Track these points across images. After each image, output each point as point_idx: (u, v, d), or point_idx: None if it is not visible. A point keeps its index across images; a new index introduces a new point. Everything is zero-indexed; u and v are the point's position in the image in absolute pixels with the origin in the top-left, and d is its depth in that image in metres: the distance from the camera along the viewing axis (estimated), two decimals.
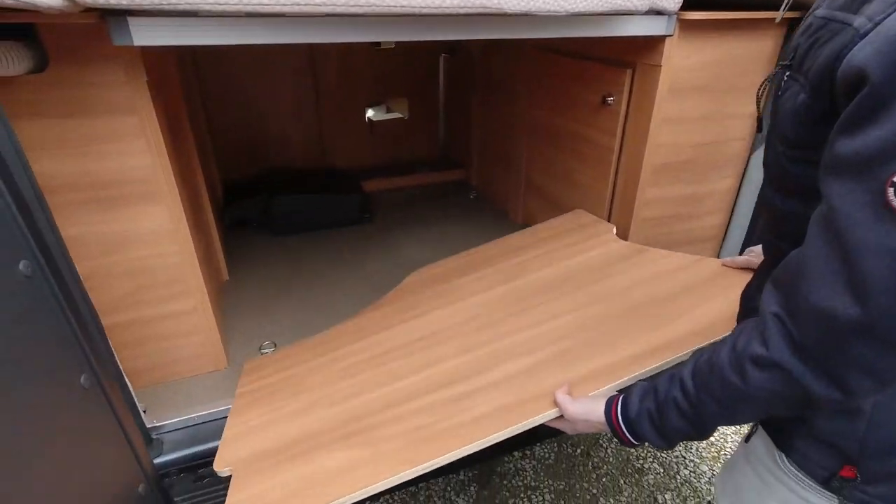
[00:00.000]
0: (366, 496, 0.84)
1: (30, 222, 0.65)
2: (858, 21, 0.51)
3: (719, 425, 0.71)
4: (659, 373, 0.96)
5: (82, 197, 1.09)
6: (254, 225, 2.28)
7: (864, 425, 0.67)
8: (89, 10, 0.82)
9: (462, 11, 1.01)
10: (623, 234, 1.63)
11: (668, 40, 1.35)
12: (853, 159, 0.50)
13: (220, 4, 0.85)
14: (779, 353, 0.57)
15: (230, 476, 0.97)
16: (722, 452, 2.06)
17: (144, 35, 0.90)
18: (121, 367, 1.11)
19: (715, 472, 1.97)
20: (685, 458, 2.04)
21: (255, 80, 2.50)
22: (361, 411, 1.03)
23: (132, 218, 1.14)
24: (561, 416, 0.93)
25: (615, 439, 0.82)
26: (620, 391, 0.89)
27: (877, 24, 0.49)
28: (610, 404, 0.84)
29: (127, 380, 1.14)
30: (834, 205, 0.52)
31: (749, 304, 0.83)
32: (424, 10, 0.98)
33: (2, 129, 0.68)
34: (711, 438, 2.12)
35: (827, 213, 0.53)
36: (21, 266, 0.61)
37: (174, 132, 1.36)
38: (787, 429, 0.76)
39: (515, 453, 2.03)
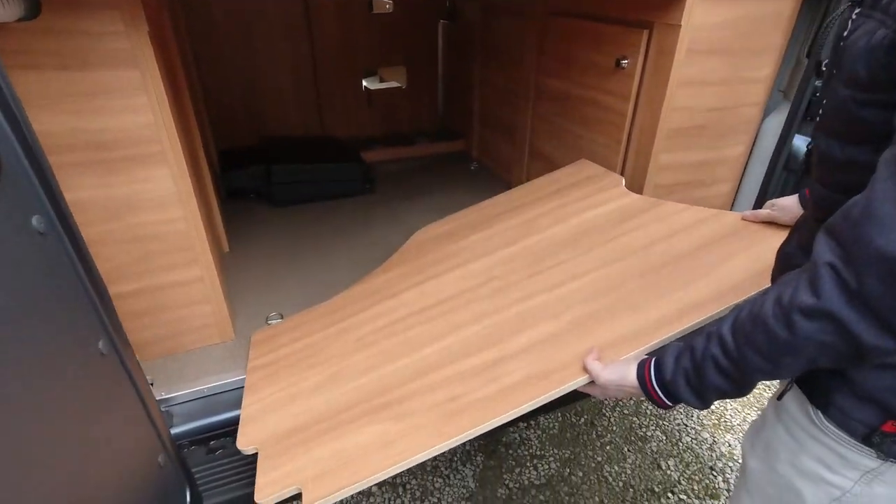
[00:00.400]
0: (400, 471, 0.82)
1: (40, 174, 0.59)
2: None
3: (761, 380, 0.70)
4: (692, 332, 0.95)
5: (82, 158, 1.02)
6: (251, 196, 2.21)
7: None
8: None
9: None
10: None
11: None
12: None
13: None
14: (831, 302, 0.56)
15: (254, 453, 0.94)
16: (722, 420, 2.09)
17: None
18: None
19: (716, 439, 2.00)
20: (687, 425, 2.07)
21: (249, 48, 2.40)
22: (387, 383, 1.00)
23: (136, 181, 1.08)
24: (592, 382, 0.91)
25: (649, 403, 0.81)
26: (651, 353, 0.88)
27: None
28: (642, 368, 0.82)
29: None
30: None
31: (789, 263, 0.80)
32: None
33: (2, 78, 0.62)
34: (712, 406, 2.15)
35: None
36: (34, 221, 0.56)
37: (174, 91, 1.28)
38: (825, 385, 0.75)
39: (521, 423, 2.04)
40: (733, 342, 0.68)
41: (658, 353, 0.82)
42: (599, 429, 2.05)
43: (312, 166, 2.15)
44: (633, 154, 1.63)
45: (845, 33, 0.64)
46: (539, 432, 2.02)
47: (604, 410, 2.12)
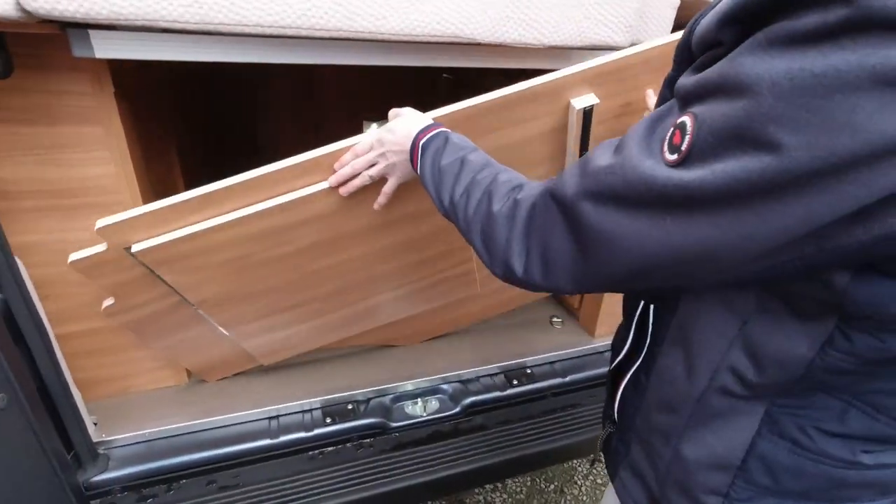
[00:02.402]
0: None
1: None
2: None
3: (451, 203, 0.73)
4: None
5: (42, 204, 1.07)
6: None
7: (669, 456, 0.62)
8: (47, 21, 0.81)
9: (433, 40, 1.00)
10: None
11: None
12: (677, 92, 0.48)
13: (180, 23, 0.84)
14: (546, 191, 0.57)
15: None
16: None
17: (107, 48, 0.90)
18: (69, 378, 1.09)
19: None
20: None
21: (255, 100, 2.53)
22: None
23: (93, 227, 1.13)
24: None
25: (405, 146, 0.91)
26: None
27: None
28: (435, 123, 0.90)
29: (75, 390, 1.12)
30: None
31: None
32: (392, 38, 0.97)
33: None
34: None
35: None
36: None
37: (148, 144, 1.35)
38: (615, 456, 0.75)
39: (487, 486, 1.97)
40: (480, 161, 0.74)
41: None
42: (569, 497, 1.97)
43: None
44: None
45: None
46: (505, 496, 1.95)
47: (575, 478, 2.05)
